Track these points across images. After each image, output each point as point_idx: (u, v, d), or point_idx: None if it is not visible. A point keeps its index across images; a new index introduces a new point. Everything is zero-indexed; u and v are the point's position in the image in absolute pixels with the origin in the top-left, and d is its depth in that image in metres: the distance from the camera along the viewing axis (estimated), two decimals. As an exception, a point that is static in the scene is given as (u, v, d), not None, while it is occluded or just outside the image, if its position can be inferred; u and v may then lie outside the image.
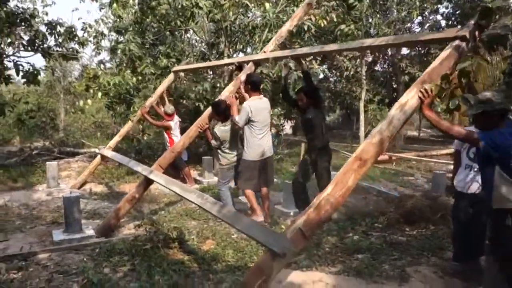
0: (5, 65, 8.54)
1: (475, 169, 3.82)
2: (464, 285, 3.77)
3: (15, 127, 14.59)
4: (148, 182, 5.28)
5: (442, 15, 16.79)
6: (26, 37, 8.95)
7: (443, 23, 16.39)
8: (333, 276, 3.97)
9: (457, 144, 4.11)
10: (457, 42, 3.31)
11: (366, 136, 14.68)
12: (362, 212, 6.01)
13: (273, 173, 6.16)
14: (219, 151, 5.97)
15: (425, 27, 16.11)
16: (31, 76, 8.42)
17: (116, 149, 9.46)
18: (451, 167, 5.06)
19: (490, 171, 3.06)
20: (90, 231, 5.10)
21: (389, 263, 4.29)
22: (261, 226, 3.36)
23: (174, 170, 8.37)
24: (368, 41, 4.26)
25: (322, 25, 9.05)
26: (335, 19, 9.25)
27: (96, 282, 3.78)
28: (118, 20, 10.31)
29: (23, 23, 8.64)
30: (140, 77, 9.27)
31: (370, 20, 12.66)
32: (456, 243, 4.14)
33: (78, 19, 19.96)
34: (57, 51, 9.31)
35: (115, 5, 9.76)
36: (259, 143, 5.56)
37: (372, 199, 7.13)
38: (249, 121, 5.49)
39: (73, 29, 9.47)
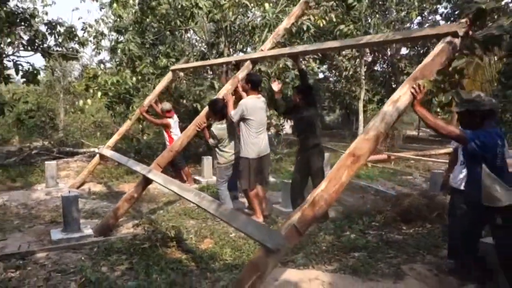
0: (4, 65, 8.57)
1: None
2: (458, 282, 3.79)
3: (15, 127, 14.63)
4: (146, 181, 5.31)
5: (441, 15, 16.82)
6: (26, 37, 8.98)
7: (442, 23, 16.41)
8: (329, 274, 4.00)
9: (455, 142, 4.14)
10: (448, 38, 3.32)
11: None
12: (359, 211, 6.03)
13: (268, 172, 6.20)
14: (217, 149, 6.01)
15: (425, 27, 16.12)
16: (31, 76, 8.45)
17: (116, 149, 9.49)
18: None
19: (477, 170, 3.11)
20: (88, 231, 5.12)
21: (385, 261, 4.32)
22: (257, 223, 3.38)
23: (174, 170, 8.41)
24: (364, 38, 4.28)
25: (321, 25, 9.08)
26: (334, 19, 9.29)
27: (94, 281, 3.80)
28: (118, 19, 10.34)
29: (23, 23, 8.66)
30: (139, 77, 9.31)
31: (369, 20, 12.68)
32: (451, 240, 4.18)
33: (78, 18, 19.94)
34: (57, 51, 9.34)
35: (115, 4, 9.78)
36: (255, 141, 5.61)
37: (370, 198, 7.16)
38: (245, 119, 5.55)
39: (73, 29, 9.50)
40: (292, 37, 9.12)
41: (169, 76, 8.19)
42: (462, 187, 3.91)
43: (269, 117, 8.93)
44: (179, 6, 9.09)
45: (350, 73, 14.17)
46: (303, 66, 9.40)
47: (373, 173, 9.59)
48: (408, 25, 15.23)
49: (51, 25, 9.20)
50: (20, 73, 8.27)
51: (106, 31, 10.90)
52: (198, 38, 12.01)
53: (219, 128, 5.86)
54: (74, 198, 5.04)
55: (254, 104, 5.58)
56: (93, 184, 8.30)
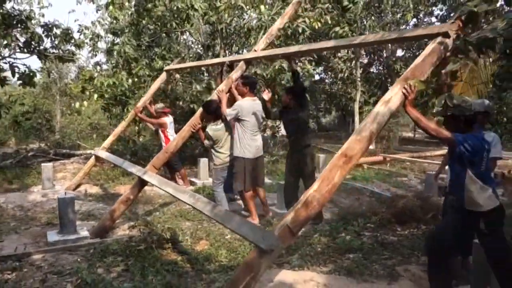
0: (1, 67, 8.56)
1: None
2: (453, 283, 3.82)
3: (11, 129, 14.62)
4: (142, 183, 5.32)
5: (436, 17, 16.91)
6: (22, 39, 8.97)
7: (438, 24, 16.50)
8: (324, 275, 4.03)
9: None
10: (439, 38, 3.34)
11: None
12: (354, 213, 6.07)
13: (264, 173, 6.25)
14: (212, 151, 6.03)
15: (416, 28, 16.21)
16: (27, 78, 8.45)
17: (112, 150, 9.50)
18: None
19: (462, 174, 3.15)
20: (84, 232, 5.13)
21: (379, 263, 4.35)
22: (251, 224, 3.41)
23: (170, 171, 8.43)
24: (358, 39, 4.31)
25: (317, 27, 9.14)
26: (329, 22, 9.32)
27: (90, 282, 3.82)
28: (114, 22, 10.36)
29: (19, 25, 8.66)
30: (135, 79, 9.34)
31: (365, 22, 12.74)
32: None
33: (75, 21, 20.01)
34: (53, 53, 9.34)
35: (111, 7, 9.82)
36: (251, 143, 5.67)
37: (365, 199, 7.20)
38: (240, 120, 5.62)
39: (70, 31, 9.50)
40: (287, 39, 9.17)
41: (163, 76, 8.22)
42: None
43: (265, 119, 8.96)
44: (175, 8, 9.13)
45: (346, 75, 14.23)
46: (298, 68, 9.48)
47: (368, 174, 9.64)
48: (403, 27, 15.30)
49: (48, 27, 9.20)
50: (17, 75, 8.27)
51: (102, 33, 10.92)
52: (194, 40, 12.04)
53: (214, 129, 5.88)
54: (70, 200, 5.05)
55: (250, 106, 5.64)
56: (90, 186, 8.31)
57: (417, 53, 16.33)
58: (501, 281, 3.22)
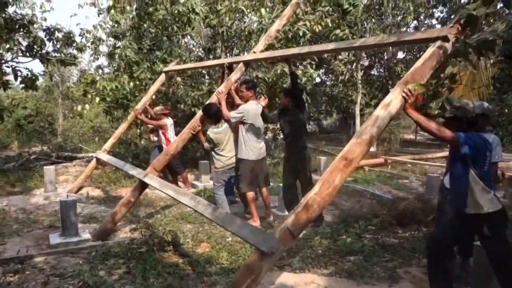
0: (3, 71, 8.62)
1: None
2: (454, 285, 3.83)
3: (14, 132, 14.67)
4: (143, 185, 5.34)
5: (437, 19, 16.93)
6: (24, 43, 9.03)
7: (438, 27, 16.51)
8: (325, 277, 4.04)
9: None
10: (439, 42, 3.35)
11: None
12: (355, 215, 6.08)
13: (267, 174, 6.35)
14: (213, 154, 6.04)
15: (414, 31, 16.24)
16: (29, 82, 8.51)
17: (114, 153, 9.55)
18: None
19: (465, 175, 3.15)
20: (86, 235, 5.15)
21: (380, 265, 4.36)
22: (251, 227, 3.42)
23: (172, 174, 8.45)
24: (357, 42, 4.34)
25: (317, 30, 9.17)
26: (330, 25, 9.36)
27: (92, 285, 3.84)
28: (116, 25, 10.41)
29: (21, 29, 8.72)
30: (137, 82, 9.38)
31: (365, 25, 12.76)
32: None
33: (77, 24, 20.04)
34: (55, 56, 9.39)
35: (113, 10, 9.88)
36: (255, 145, 5.80)
37: (366, 202, 7.20)
38: (245, 123, 5.74)
39: (71, 35, 9.56)
40: (288, 42, 9.19)
41: (161, 78, 8.25)
42: None
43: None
44: (176, 12, 9.17)
45: (347, 77, 14.24)
46: (299, 71, 9.50)
47: (369, 177, 9.64)
48: (404, 29, 15.33)
49: (50, 31, 9.26)
50: (19, 79, 8.33)
51: (104, 37, 10.98)
52: (195, 43, 12.09)
53: (215, 132, 5.90)
54: (72, 202, 5.08)
55: (254, 110, 5.79)
56: (91, 188, 8.33)
57: (418, 55, 16.37)
58: (503, 284, 3.22)
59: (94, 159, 8.31)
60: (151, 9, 9.62)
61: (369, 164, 10.78)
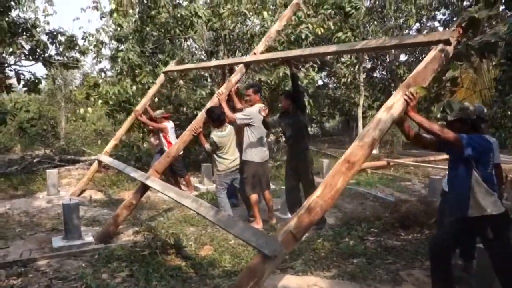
0: (6, 74, 8.65)
1: None
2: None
3: (17, 135, 14.75)
4: (144, 188, 5.34)
5: (439, 21, 16.92)
6: (27, 47, 9.07)
7: (440, 30, 16.50)
8: (328, 280, 4.03)
9: None
10: (440, 46, 3.34)
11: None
12: (358, 217, 6.07)
13: (269, 177, 6.41)
14: (216, 157, 6.04)
15: (416, 34, 16.23)
16: (32, 85, 8.53)
17: (117, 156, 9.56)
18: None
19: (467, 177, 3.14)
20: (89, 238, 5.16)
21: (383, 267, 4.35)
22: (254, 229, 3.42)
23: (173, 177, 8.45)
24: (359, 44, 4.34)
25: (320, 33, 9.18)
26: (332, 27, 9.37)
27: (95, 288, 3.86)
28: (118, 28, 10.45)
29: (24, 33, 8.76)
30: (140, 85, 9.40)
31: (367, 27, 12.77)
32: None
33: (79, 28, 20.11)
34: (58, 60, 9.43)
35: (115, 14, 9.90)
36: (260, 147, 5.88)
37: (369, 204, 7.20)
38: (251, 126, 5.82)
39: (74, 38, 9.60)
40: (290, 45, 9.21)
41: (161, 78, 8.26)
42: None
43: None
44: (179, 15, 9.20)
45: (349, 80, 14.24)
46: (301, 74, 9.51)
47: (372, 179, 9.63)
48: (406, 32, 15.33)
49: (52, 35, 9.30)
50: (22, 82, 8.36)
51: (106, 40, 11.01)
52: (197, 47, 12.11)
53: (219, 135, 5.90)
54: (75, 205, 5.09)
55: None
56: (94, 191, 8.35)
57: (421, 58, 16.37)
58: (505, 287, 3.22)
59: (96, 162, 8.32)
60: (153, 12, 9.66)
61: (371, 166, 10.77)
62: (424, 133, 3.31)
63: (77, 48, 9.74)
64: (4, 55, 8.85)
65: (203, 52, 11.66)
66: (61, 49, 9.51)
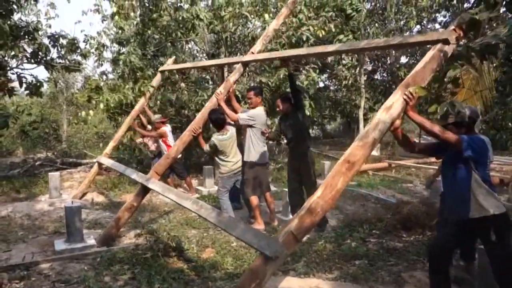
0: (8, 77, 8.67)
1: None
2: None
3: (19, 138, 14.76)
4: (145, 190, 5.35)
5: (440, 23, 16.92)
6: (29, 50, 9.09)
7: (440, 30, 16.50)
8: (330, 282, 4.04)
9: None
10: (439, 45, 3.35)
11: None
12: (360, 219, 6.08)
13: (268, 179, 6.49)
14: (219, 160, 6.05)
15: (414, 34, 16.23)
16: (34, 88, 8.54)
17: (119, 159, 9.57)
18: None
19: (467, 179, 3.14)
20: (91, 241, 5.17)
21: (385, 269, 4.36)
22: (255, 231, 3.42)
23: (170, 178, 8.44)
24: (356, 44, 4.34)
25: (321, 35, 9.19)
26: (333, 29, 9.38)
27: (97, 290, 3.86)
28: (120, 31, 10.47)
29: (26, 36, 8.78)
30: (142, 89, 9.40)
31: (368, 29, 12.78)
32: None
33: (81, 31, 20.20)
34: (59, 63, 9.44)
35: (117, 17, 9.93)
36: (261, 149, 5.94)
37: (371, 206, 7.20)
38: (253, 127, 5.88)
39: (76, 41, 9.62)
40: (292, 47, 9.22)
41: (158, 77, 8.27)
42: None
43: (269, 126, 9.02)
44: (180, 18, 9.23)
45: (350, 82, 14.25)
46: (302, 76, 9.52)
47: (373, 181, 9.64)
48: (407, 34, 15.33)
49: (54, 38, 9.31)
50: (24, 85, 8.37)
51: (108, 43, 11.04)
52: (199, 49, 12.14)
53: (220, 139, 5.91)
54: (77, 208, 5.10)
55: (263, 116, 6.00)
56: (96, 194, 8.36)
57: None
58: None
59: (96, 164, 8.33)
60: (155, 15, 9.68)
61: (373, 168, 10.77)
62: (424, 135, 3.30)
63: (78, 51, 9.75)
64: (6, 58, 8.86)
65: (204, 54, 11.68)
66: (63, 52, 9.52)
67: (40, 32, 9.17)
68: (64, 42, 9.45)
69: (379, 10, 14.38)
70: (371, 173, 10.51)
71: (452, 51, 3.39)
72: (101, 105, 8.84)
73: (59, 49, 9.47)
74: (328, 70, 16.02)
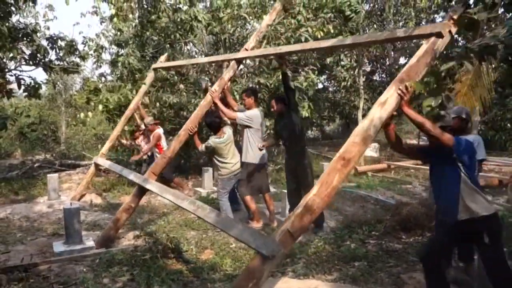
0: (7, 79, 8.65)
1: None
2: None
3: (17, 140, 14.75)
4: (142, 190, 5.32)
5: (439, 24, 16.92)
6: (27, 52, 9.08)
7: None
8: (329, 283, 4.03)
9: None
10: (432, 39, 3.29)
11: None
12: (359, 221, 6.08)
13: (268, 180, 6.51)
14: (218, 162, 6.02)
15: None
16: (33, 90, 8.53)
17: (117, 161, 9.56)
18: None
19: (458, 182, 3.12)
20: (90, 242, 5.16)
21: (384, 270, 4.35)
22: (252, 230, 3.41)
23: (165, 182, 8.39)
24: (348, 39, 4.27)
25: (319, 36, 9.18)
26: (332, 31, 9.38)
27: (96, 292, 3.85)
28: (118, 33, 10.47)
29: (25, 38, 8.77)
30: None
31: (367, 31, 12.79)
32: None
33: (79, 33, 20.16)
34: (58, 64, 9.43)
35: (115, 19, 9.92)
36: (260, 150, 5.90)
37: (370, 207, 7.20)
38: (250, 128, 5.91)
39: (74, 43, 9.61)
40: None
41: (151, 75, 8.25)
42: None
43: (268, 127, 9.02)
44: (179, 20, 9.22)
45: (349, 83, 14.25)
46: (301, 77, 9.52)
47: (373, 182, 9.63)
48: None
49: (53, 40, 9.31)
50: (22, 87, 8.36)
51: (106, 45, 11.04)
52: (197, 51, 12.13)
53: (216, 142, 5.88)
54: (75, 210, 5.09)
55: (259, 116, 6.00)
56: (95, 196, 8.33)
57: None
58: None
59: (93, 165, 8.31)
60: (153, 17, 9.69)
61: (372, 169, 10.77)
62: (424, 136, 3.29)
63: (77, 53, 9.74)
64: (4, 60, 8.85)
65: (203, 56, 11.68)
66: (61, 54, 9.51)
67: (38, 34, 9.16)
68: (63, 44, 9.44)
69: (377, 11, 14.38)
70: (370, 174, 10.51)
71: (451, 52, 3.39)
72: (100, 107, 8.84)
73: (58, 51, 9.46)
74: (327, 71, 16.01)
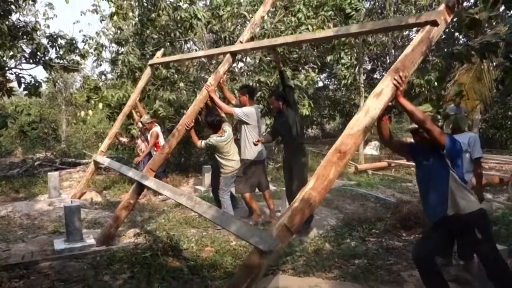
0: (7, 78, 8.67)
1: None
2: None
3: (18, 138, 14.76)
4: (140, 187, 5.31)
5: (439, 22, 16.92)
6: (28, 50, 9.10)
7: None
8: (329, 281, 4.03)
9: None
10: (427, 27, 3.24)
11: (365, 144, 14.75)
12: (359, 219, 6.08)
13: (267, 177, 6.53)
14: (221, 160, 5.97)
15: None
16: (33, 88, 8.56)
17: (118, 159, 9.57)
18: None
19: (447, 179, 3.12)
20: (91, 240, 5.16)
21: (385, 268, 4.35)
22: (249, 226, 3.40)
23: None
24: (342, 29, 4.23)
25: (320, 34, 9.18)
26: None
27: (96, 289, 3.86)
28: (118, 31, 10.47)
29: (25, 36, 8.78)
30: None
31: (368, 29, 12.76)
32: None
33: (79, 31, 20.21)
34: (58, 63, 9.45)
35: (115, 17, 9.94)
36: (258, 146, 5.93)
37: (370, 205, 7.20)
38: (248, 124, 5.92)
39: (74, 41, 9.63)
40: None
41: (148, 71, 8.22)
42: None
43: (268, 125, 9.02)
44: (178, 18, 9.22)
45: (349, 81, 14.24)
46: (302, 75, 9.52)
47: (373, 180, 9.64)
48: (406, 33, 15.35)
49: (53, 38, 9.33)
50: (23, 85, 8.37)
51: (106, 43, 11.05)
52: (197, 49, 12.12)
53: (218, 140, 5.85)
54: (76, 208, 5.09)
55: (256, 113, 6.00)
56: (95, 194, 8.35)
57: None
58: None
59: (92, 163, 8.31)
60: (153, 15, 9.69)
61: (372, 167, 10.77)
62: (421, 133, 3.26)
63: (77, 51, 9.77)
64: (4, 58, 8.86)
65: (203, 54, 11.68)
66: (61, 52, 9.54)
67: (38, 32, 9.19)
68: (63, 42, 9.47)
69: (378, 9, 14.37)
70: (371, 172, 10.51)
71: (452, 50, 3.38)
72: (100, 105, 8.85)
73: (58, 49, 9.48)
74: (327, 70, 16.02)
